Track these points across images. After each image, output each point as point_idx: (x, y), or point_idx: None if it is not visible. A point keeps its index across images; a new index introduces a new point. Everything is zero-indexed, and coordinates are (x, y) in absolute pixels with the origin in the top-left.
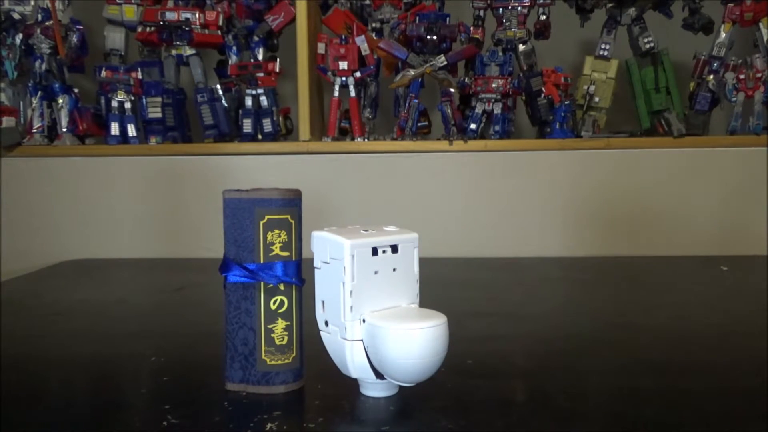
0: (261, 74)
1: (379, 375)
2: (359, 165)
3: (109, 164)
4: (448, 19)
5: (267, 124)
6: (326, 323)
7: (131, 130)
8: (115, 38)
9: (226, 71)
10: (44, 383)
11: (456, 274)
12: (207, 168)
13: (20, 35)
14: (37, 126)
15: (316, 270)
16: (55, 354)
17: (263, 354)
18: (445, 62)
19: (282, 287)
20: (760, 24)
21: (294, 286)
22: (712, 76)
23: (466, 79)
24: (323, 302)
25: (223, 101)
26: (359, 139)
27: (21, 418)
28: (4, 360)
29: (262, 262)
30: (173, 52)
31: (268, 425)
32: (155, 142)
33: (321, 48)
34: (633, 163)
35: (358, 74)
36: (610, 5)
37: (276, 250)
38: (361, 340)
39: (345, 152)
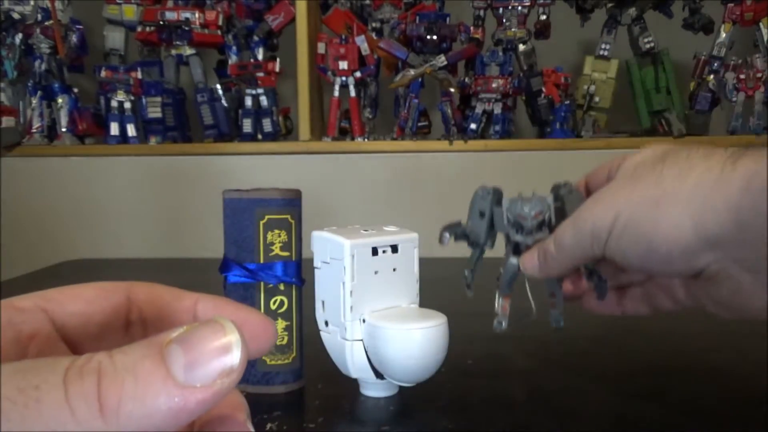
0: (261, 74)
1: (379, 375)
2: (359, 165)
3: (108, 164)
4: (448, 19)
5: (267, 124)
6: (326, 323)
7: (131, 129)
8: (115, 38)
9: (226, 71)
10: None
11: (456, 274)
12: (207, 168)
13: (20, 35)
14: (37, 126)
15: (316, 270)
16: None
17: None
18: (445, 62)
19: (282, 287)
20: (760, 24)
21: (294, 286)
22: (712, 76)
23: (466, 79)
24: (323, 302)
25: (223, 101)
26: (359, 139)
27: None
28: None
29: (262, 262)
30: (173, 51)
31: (268, 425)
32: (155, 142)
33: (321, 48)
34: None
35: (358, 74)
36: (610, 5)
37: (276, 250)
38: (361, 340)
39: (345, 152)
